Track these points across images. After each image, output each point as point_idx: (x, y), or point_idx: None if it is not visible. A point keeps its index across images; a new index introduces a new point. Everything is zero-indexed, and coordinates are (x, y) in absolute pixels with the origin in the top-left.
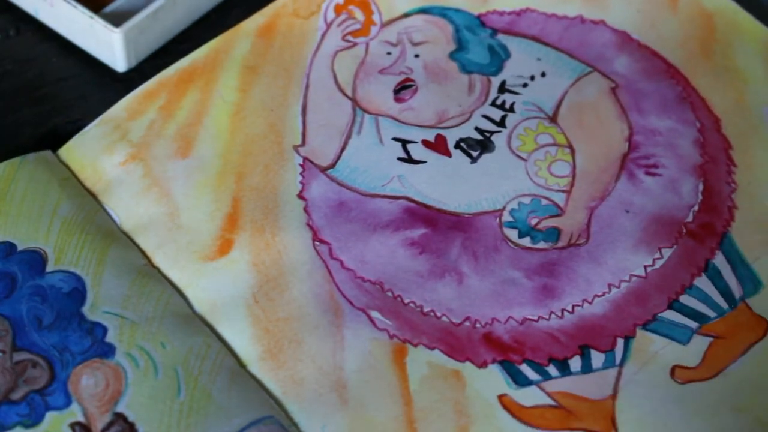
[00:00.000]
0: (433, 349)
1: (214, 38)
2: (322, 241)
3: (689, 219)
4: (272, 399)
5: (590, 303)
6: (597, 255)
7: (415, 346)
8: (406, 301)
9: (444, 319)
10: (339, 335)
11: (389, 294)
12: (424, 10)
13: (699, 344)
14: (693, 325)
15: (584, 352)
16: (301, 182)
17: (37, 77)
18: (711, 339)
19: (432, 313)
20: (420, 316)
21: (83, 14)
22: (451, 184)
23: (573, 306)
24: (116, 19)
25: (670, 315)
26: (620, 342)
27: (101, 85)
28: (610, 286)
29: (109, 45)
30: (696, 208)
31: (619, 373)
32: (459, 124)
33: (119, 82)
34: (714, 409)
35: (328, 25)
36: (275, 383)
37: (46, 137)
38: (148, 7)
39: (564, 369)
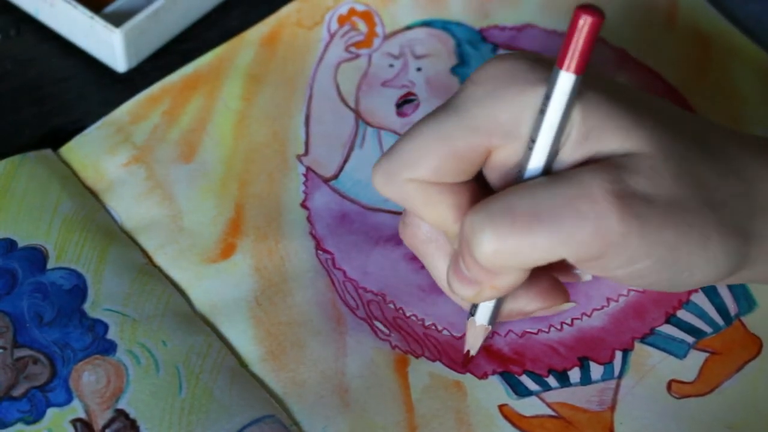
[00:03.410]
0: (434, 361)
1: (214, 38)
2: (324, 251)
3: None
4: (273, 398)
5: (589, 316)
6: None
7: (417, 357)
8: (408, 314)
9: (445, 332)
10: (341, 342)
11: (391, 306)
12: (426, 23)
13: (695, 359)
14: (690, 339)
15: (583, 364)
16: (304, 192)
17: (37, 77)
18: (707, 354)
19: (433, 327)
20: (422, 329)
21: (83, 14)
22: None
23: (572, 319)
24: (116, 19)
25: (668, 329)
26: (619, 355)
27: (101, 86)
28: (608, 300)
29: (109, 45)
30: None
31: (618, 386)
32: None
33: (120, 82)
34: (709, 426)
35: (332, 36)
36: (277, 383)
37: (47, 137)
38: (148, 7)
39: (563, 380)
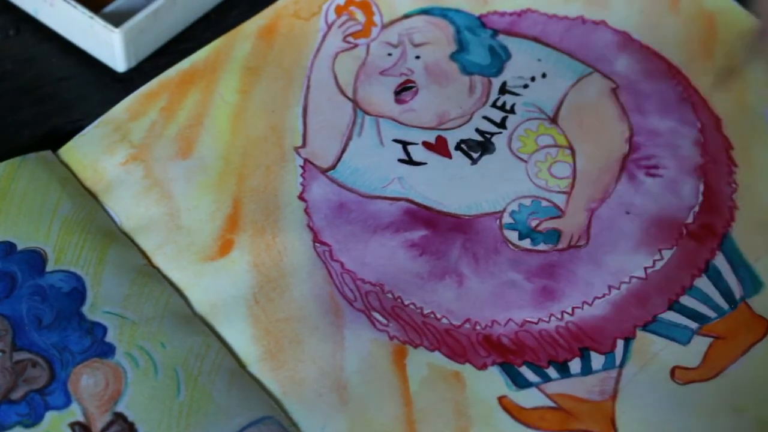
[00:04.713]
0: (433, 350)
1: (214, 38)
2: (322, 243)
3: (689, 220)
4: (272, 399)
5: (590, 305)
6: (597, 257)
7: (416, 347)
8: (406, 302)
9: (444, 320)
10: (339, 336)
11: (389, 296)
12: (424, 11)
13: (699, 345)
14: (693, 325)
15: (584, 354)
16: (301, 184)
17: (37, 77)
18: (711, 339)
19: (432, 315)
20: (420, 317)
21: (83, 14)
22: (452, 186)
23: (573, 308)
24: (116, 19)
25: (671, 316)
26: (620, 343)
27: (101, 85)
28: (610, 287)
29: (109, 45)
30: (696, 209)
31: (619, 375)
32: (459, 126)
33: (119, 82)
34: (714, 410)
35: (329, 27)
36: (275, 383)
37: (46, 137)
38: (148, 7)
39: (563, 371)
